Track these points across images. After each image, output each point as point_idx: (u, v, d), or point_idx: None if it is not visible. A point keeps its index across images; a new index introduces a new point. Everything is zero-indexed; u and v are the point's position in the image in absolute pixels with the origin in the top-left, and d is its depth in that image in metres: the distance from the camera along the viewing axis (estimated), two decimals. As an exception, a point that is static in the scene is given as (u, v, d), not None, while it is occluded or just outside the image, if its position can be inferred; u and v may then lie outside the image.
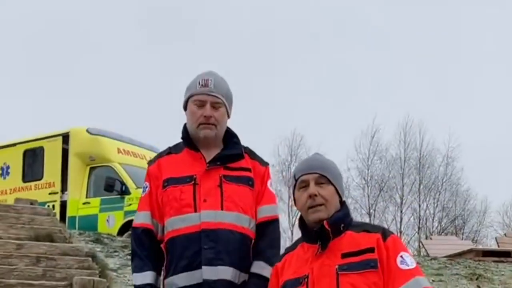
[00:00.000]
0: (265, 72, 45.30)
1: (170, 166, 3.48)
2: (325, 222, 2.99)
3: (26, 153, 15.48)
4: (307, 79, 45.53)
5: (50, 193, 14.74)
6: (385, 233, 3.00)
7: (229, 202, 3.38)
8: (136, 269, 3.42)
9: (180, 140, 3.60)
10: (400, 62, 46.25)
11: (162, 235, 3.44)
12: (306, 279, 2.96)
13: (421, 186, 34.40)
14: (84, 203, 14.35)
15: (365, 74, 46.06)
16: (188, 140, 3.52)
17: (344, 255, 2.95)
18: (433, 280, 10.39)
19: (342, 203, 3.12)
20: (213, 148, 3.50)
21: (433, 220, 34.86)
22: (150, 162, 3.59)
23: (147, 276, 3.39)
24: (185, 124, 3.56)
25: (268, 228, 3.47)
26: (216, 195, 3.38)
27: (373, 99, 44.24)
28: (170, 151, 3.57)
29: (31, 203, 10.64)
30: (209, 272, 3.30)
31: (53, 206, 14.17)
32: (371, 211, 33.87)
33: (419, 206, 34.46)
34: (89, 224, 13.67)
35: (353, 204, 33.57)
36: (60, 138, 15.01)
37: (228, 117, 3.56)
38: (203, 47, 47.00)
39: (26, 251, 8.54)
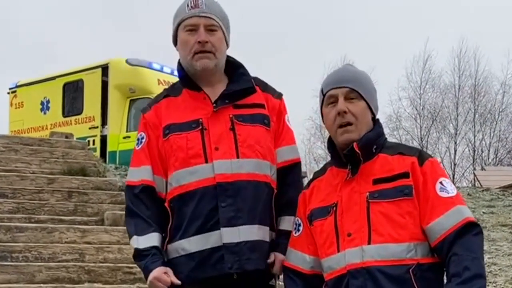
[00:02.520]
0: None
1: (169, 111, 2.98)
2: (354, 144, 2.69)
3: (65, 86, 15.27)
4: (358, 2, 44.31)
5: (90, 128, 14.52)
6: (422, 156, 2.70)
7: (245, 147, 2.91)
8: (138, 231, 2.91)
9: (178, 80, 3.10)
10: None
11: (166, 193, 2.96)
12: (334, 208, 2.70)
13: (476, 116, 33.45)
14: (124, 138, 14.04)
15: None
16: (186, 79, 3.01)
17: (376, 181, 2.67)
18: (484, 212, 10.14)
19: (375, 121, 2.80)
20: (216, 84, 3.00)
21: (489, 151, 34.03)
22: (144, 110, 3.06)
23: (153, 238, 2.90)
24: (179, 61, 3.04)
25: (293, 174, 3.04)
26: (229, 140, 2.91)
27: (425, 22, 42.79)
28: (168, 93, 3.06)
29: (66, 137, 10.48)
30: (229, 235, 2.84)
31: (93, 141, 14.00)
32: (423, 142, 33.06)
33: (474, 136, 33.62)
34: (130, 159, 13.29)
35: (405, 135, 33.00)
36: (100, 70, 14.70)
37: (227, 45, 3.04)
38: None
39: (58, 186, 8.46)
